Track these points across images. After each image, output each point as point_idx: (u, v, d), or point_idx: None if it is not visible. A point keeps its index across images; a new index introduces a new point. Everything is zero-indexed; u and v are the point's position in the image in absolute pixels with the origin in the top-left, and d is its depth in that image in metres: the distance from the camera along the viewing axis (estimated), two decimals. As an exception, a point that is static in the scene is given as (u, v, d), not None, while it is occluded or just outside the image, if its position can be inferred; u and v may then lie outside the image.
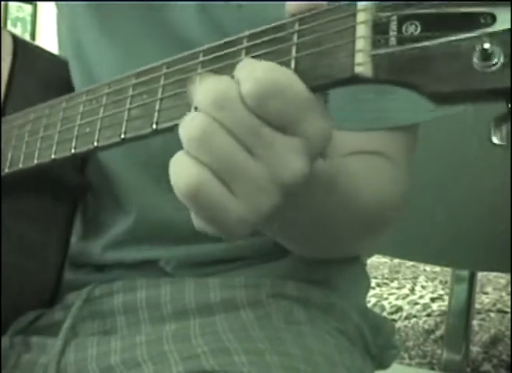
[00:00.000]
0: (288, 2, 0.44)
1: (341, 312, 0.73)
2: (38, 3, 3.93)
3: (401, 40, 0.39)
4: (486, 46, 0.36)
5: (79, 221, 0.77)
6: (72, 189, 0.73)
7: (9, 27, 3.74)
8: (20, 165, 0.62)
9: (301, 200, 0.50)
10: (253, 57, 0.44)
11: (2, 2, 3.64)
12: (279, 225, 0.55)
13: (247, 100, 0.41)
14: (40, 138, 0.60)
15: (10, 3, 3.83)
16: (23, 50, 0.73)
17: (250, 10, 0.65)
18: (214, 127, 0.42)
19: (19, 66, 0.72)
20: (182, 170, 0.42)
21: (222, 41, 0.47)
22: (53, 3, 0.81)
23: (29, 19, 3.94)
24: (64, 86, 0.74)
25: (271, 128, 0.42)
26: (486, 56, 0.36)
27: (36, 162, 0.60)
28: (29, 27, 3.92)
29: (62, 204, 0.73)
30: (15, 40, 0.74)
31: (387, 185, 0.64)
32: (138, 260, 0.72)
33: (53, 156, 0.58)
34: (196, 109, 0.43)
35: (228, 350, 0.62)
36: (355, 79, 0.40)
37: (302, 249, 0.67)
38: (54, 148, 0.58)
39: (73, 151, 0.56)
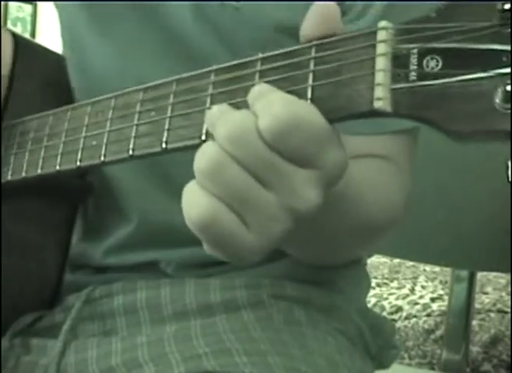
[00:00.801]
0: (303, 27, 0.43)
1: (341, 313, 0.73)
2: (38, 3, 3.93)
3: (421, 76, 0.38)
4: (509, 88, 0.35)
5: (81, 223, 0.76)
6: (74, 192, 0.73)
7: (9, 27, 3.74)
8: (24, 174, 0.61)
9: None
10: (267, 82, 0.43)
11: (2, 2, 3.63)
12: (286, 242, 0.54)
13: (265, 136, 0.41)
14: (43, 147, 0.60)
15: (10, 3, 3.83)
16: (24, 49, 0.73)
17: (248, 12, 0.65)
18: (226, 160, 0.41)
19: (20, 64, 0.72)
20: (194, 200, 0.42)
21: (234, 62, 0.45)
22: (53, 3, 0.81)
23: (29, 19, 3.94)
24: (66, 85, 0.74)
25: (287, 162, 0.42)
26: (508, 97, 0.35)
27: (39, 171, 0.59)
28: (29, 27, 3.92)
29: (63, 207, 0.73)
30: (16, 38, 0.73)
31: (391, 187, 0.64)
32: (138, 262, 0.72)
33: (58, 167, 0.57)
34: (208, 136, 0.43)
35: (229, 350, 0.62)
36: (374, 113, 0.40)
37: (308, 257, 0.66)
38: (58, 159, 0.57)
39: (79, 163, 0.55)
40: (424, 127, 0.67)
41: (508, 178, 0.38)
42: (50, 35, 3.40)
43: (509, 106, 0.35)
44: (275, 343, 0.64)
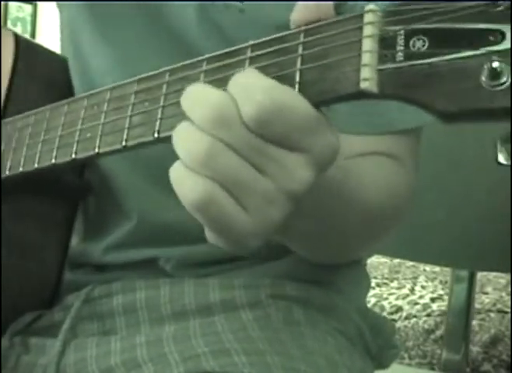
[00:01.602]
0: (293, 13, 0.44)
1: (341, 312, 0.73)
2: (38, 3, 3.93)
3: (408, 56, 0.38)
4: (495, 64, 0.35)
5: (80, 222, 0.76)
6: (73, 191, 0.73)
7: (9, 27, 3.74)
8: (21, 169, 0.61)
9: (310, 205, 0.50)
10: (257, 67, 0.44)
11: (2, 2, 3.63)
12: (290, 233, 0.54)
13: (249, 124, 0.41)
14: (41, 142, 0.60)
15: (10, 3, 3.83)
16: (25, 49, 0.73)
17: (252, 13, 0.65)
18: (218, 147, 0.42)
19: (21, 64, 0.72)
20: (189, 185, 0.42)
21: (225, 50, 0.46)
22: (53, 3, 0.81)
23: (29, 19, 3.94)
24: (66, 85, 0.74)
25: (275, 146, 0.42)
26: (495, 75, 0.35)
27: (36, 165, 0.59)
28: (29, 27, 3.92)
29: (63, 206, 0.73)
30: (17, 38, 0.73)
31: (395, 180, 0.65)
32: (137, 260, 0.72)
33: (53, 161, 0.58)
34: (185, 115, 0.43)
35: (228, 350, 0.62)
36: (361, 94, 0.40)
37: (312, 254, 0.66)
38: (54, 153, 0.58)
39: (74, 156, 0.55)
40: (425, 127, 0.68)
41: (497, 159, 0.38)
42: (50, 35, 3.40)
43: (495, 83, 0.35)
44: (274, 343, 0.64)
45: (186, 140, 0.42)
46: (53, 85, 0.74)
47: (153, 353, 0.64)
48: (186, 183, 0.42)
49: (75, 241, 0.76)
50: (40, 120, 0.61)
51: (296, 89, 0.42)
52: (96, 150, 0.53)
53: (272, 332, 0.66)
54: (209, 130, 0.42)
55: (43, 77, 0.73)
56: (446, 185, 1.15)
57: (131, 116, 0.51)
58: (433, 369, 1.59)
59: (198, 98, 0.43)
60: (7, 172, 0.63)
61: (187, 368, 0.61)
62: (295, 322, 0.68)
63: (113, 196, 0.73)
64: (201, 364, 0.61)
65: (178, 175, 0.43)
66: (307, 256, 0.67)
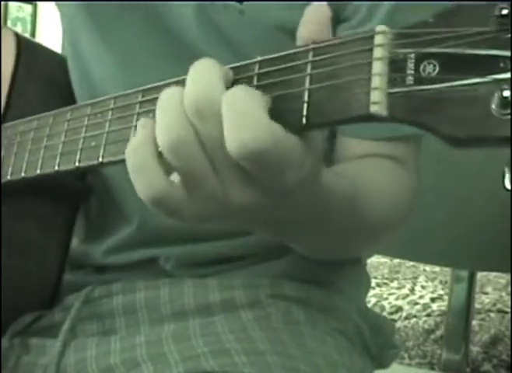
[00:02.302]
0: (299, 29, 0.44)
1: (340, 312, 0.73)
2: (38, 3, 3.93)
3: (418, 80, 0.38)
4: (506, 93, 0.35)
5: (82, 225, 0.76)
6: (74, 193, 0.73)
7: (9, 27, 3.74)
8: (23, 174, 0.61)
9: (311, 210, 0.51)
10: (264, 85, 0.43)
11: (2, 2, 3.64)
12: (289, 234, 0.55)
13: (231, 153, 0.41)
14: (43, 148, 0.59)
15: (10, 3, 3.84)
16: (26, 48, 0.73)
17: (251, 14, 0.65)
18: (192, 137, 0.43)
19: (23, 64, 0.72)
20: (149, 176, 0.44)
21: (232, 65, 0.45)
22: (53, 3, 0.81)
23: (29, 19, 3.94)
24: (66, 85, 0.74)
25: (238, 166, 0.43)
26: (505, 103, 0.35)
27: (38, 172, 0.59)
28: (29, 27, 3.92)
29: (63, 207, 0.73)
30: (19, 38, 0.73)
31: (400, 190, 0.65)
32: (137, 260, 0.72)
33: (56, 168, 0.57)
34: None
35: (228, 350, 0.62)
36: (370, 117, 0.39)
37: (311, 252, 0.66)
38: (57, 160, 0.57)
39: (77, 164, 0.55)
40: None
41: (504, 185, 0.38)
42: (50, 35, 3.40)
43: (505, 111, 0.35)
44: (274, 343, 0.64)
45: (168, 111, 0.43)
46: (53, 84, 0.74)
47: (153, 353, 0.64)
48: (147, 171, 0.44)
49: (75, 242, 0.76)
50: (43, 125, 0.61)
51: (305, 110, 0.42)
52: (100, 159, 0.53)
53: (272, 332, 0.66)
54: (192, 117, 0.43)
55: (44, 77, 0.73)
56: (446, 185, 1.15)
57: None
58: (433, 369, 1.59)
59: (204, 74, 0.43)
60: (8, 177, 0.62)
61: (187, 368, 0.61)
62: (294, 322, 0.68)
63: (114, 200, 0.73)
64: (201, 363, 0.61)
65: (142, 159, 0.45)
66: (306, 254, 0.67)
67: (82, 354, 0.68)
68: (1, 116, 0.69)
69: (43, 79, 0.73)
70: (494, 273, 1.83)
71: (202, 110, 0.42)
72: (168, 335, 0.66)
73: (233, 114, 0.41)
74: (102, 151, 0.52)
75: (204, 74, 0.43)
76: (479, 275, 1.76)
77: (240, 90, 0.42)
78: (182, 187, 0.44)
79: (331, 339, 0.69)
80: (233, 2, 0.65)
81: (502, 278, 1.83)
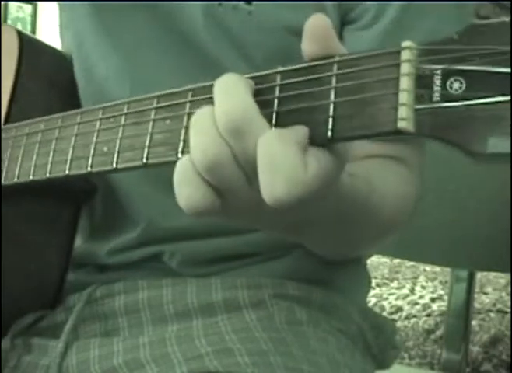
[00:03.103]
0: (303, 44, 0.43)
1: (342, 312, 0.73)
2: (38, 3, 3.93)
3: (444, 97, 0.38)
4: None
5: (86, 224, 0.76)
6: (77, 192, 0.73)
7: (9, 27, 3.74)
8: (31, 177, 0.60)
9: (331, 214, 0.52)
10: (288, 96, 0.43)
11: (2, 2, 3.64)
12: (309, 234, 0.56)
13: (266, 201, 0.42)
14: (52, 151, 0.59)
15: (10, 3, 3.84)
16: (29, 46, 0.73)
17: (260, 15, 0.65)
18: (228, 156, 0.43)
19: (26, 61, 0.71)
20: (191, 190, 0.44)
21: (252, 74, 0.45)
22: (53, 3, 0.81)
23: (29, 19, 3.94)
24: (70, 82, 0.73)
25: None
26: None
27: (48, 175, 0.59)
28: (29, 27, 3.92)
29: (66, 207, 0.73)
30: (21, 35, 0.73)
31: (403, 187, 0.65)
32: (141, 256, 0.72)
33: (67, 172, 0.57)
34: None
35: (231, 350, 0.62)
36: (397, 133, 0.39)
37: (324, 250, 0.67)
38: (68, 164, 0.57)
39: (89, 169, 0.54)
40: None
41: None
42: (50, 35, 3.40)
43: None
44: (277, 343, 0.64)
45: (202, 132, 0.44)
46: (56, 82, 0.73)
47: (156, 354, 0.64)
48: (187, 187, 0.44)
49: (78, 242, 0.76)
50: (51, 127, 0.60)
51: (330, 124, 0.41)
52: (114, 165, 0.52)
53: (275, 332, 0.66)
54: (228, 139, 0.43)
55: (46, 74, 0.73)
56: (446, 185, 1.15)
57: (152, 134, 0.50)
58: (432, 369, 1.59)
59: (234, 92, 0.43)
60: (16, 179, 0.62)
61: (191, 368, 0.61)
62: (297, 322, 0.68)
63: (120, 201, 0.73)
64: (205, 364, 0.61)
65: (183, 175, 0.44)
66: (316, 252, 0.67)
67: (85, 355, 0.67)
68: (6, 113, 0.68)
69: (46, 77, 0.73)
70: (494, 273, 1.83)
71: (239, 129, 0.42)
72: (171, 335, 0.66)
73: (268, 163, 0.41)
74: (116, 157, 0.52)
75: (234, 92, 0.43)
76: (479, 275, 1.76)
77: (275, 136, 0.42)
78: (219, 198, 0.45)
79: (333, 339, 0.69)
80: (242, 3, 0.65)
81: (502, 278, 1.83)
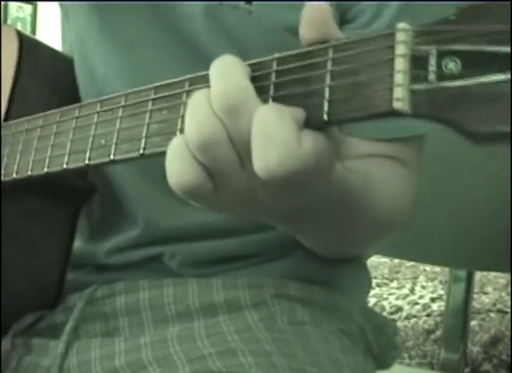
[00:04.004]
0: (300, 29, 0.44)
1: (344, 313, 0.73)
2: (38, 3, 3.93)
3: (440, 77, 0.38)
4: None
5: (85, 224, 0.76)
6: (77, 191, 0.73)
7: (9, 27, 3.73)
8: (29, 172, 0.60)
9: (323, 208, 0.52)
10: (284, 82, 0.44)
11: (2, 2, 3.64)
12: (297, 229, 0.56)
13: (257, 174, 0.42)
14: (50, 146, 0.59)
15: (10, 3, 3.83)
16: (28, 46, 0.73)
17: (260, 15, 0.65)
18: (222, 136, 0.43)
19: (25, 61, 0.71)
20: (180, 166, 0.44)
21: (250, 62, 0.45)
22: (53, 3, 0.81)
23: (29, 19, 3.94)
24: (71, 84, 0.73)
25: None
26: None
27: (46, 170, 0.58)
28: (29, 27, 3.92)
29: (66, 206, 0.72)
30: (21, 36, 0.73)
31: (402, 187, 0.66)
32: (141, 258, 0.72)
33: (65, 166, 0.56)
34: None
35: (234, 351, 0.62)
36: (393, 114, 0.40)
37: (321, 247, 0.67)
38: (66, 158, 0.57)
39: (87, 161, 0.54)
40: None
41: None
42: (50, 35, 3.40)
43: None
44: (280, 344, 0.64)
45: (198, 112, 0.44)
46: (56, 82, 0.73)
47: (158, 354, 0.64)
48: (180, 163, 0.44)
49: (78, 242, 0.76)
50: (50, 122, 0.60)
51: (326, 107, 0.42)
52: (112, 157, 0.52)
53: (277, 332, 0.66)
54: (222, 109, 0.43)
55: (46, 74, 0.73)
56: (445, 185, 1.16)
57: (148, 124, 0.50)
58: (432, 369, 1.59)
59: (231, 71, 0.43)
60: (14, 175, 0.62)
61: (194, 369, 0.61)
62: (299, 322, 0.68)
63: (118, 201, 0.73)
64: (208, 364, 0.61)
65: (176, 152, 0.45)
66: (314, 249, 0.67)
67: (86, 356, 0.67)
68: (5, 113, 0.68)
69: (46, 76, 0.73)
70: (494, 273, 1.83)
71: (234, 108, 0.43)
72: (173, 336, 0.65)
73: (262, 135, 0.42)
74: (113, 148, 0.52)
75: (231, 71, 0.43)
76: (479, 275, 1.76)
77: (271, 109, 0.42)
78: (211, 180, 0.45)
79: (335, 339, 0.69)
80: (242, 3, 0.65)
81: (502, 278, 1.83)
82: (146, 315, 0.69)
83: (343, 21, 0.66)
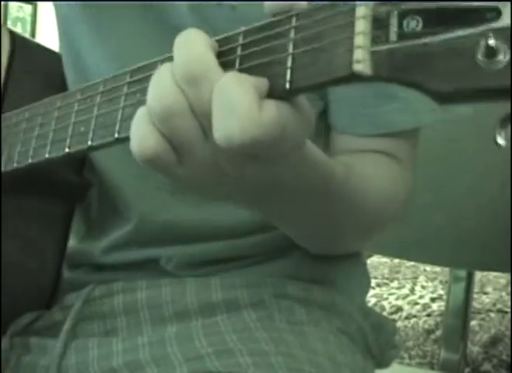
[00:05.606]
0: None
1: (343, 312, 0.73)
2: (38, 3, 3.93)
3: (401, 36, 0.37)
4: (491, 42, 0.34)
5: (80, 222, 0.76)
6: (71, 189, 0.73)
7: (9, 27, 3.74)
8: (15, 164, 0.61)
9: (302, 196, 0.52)
10: (249, 54, 0.44)
11: (2, 2, 3.64)
12: (275, 204, 0.55)
13: (218, 143, 0.42)
14: (35, 137, 0.59)
15: (10, 3, 3.84)
16: (22, 47, 0.73)
17: (244, 11, 0.65)
18: (182, 106, 0.43)
19: (17, 61, 0.71)
20: (143, 134, 0.45)
21: (217, 37, 0.45)
22: (52, 3, 0.81)
23: (29, 19, 3.95)
24: (61, 82, 0.73)
25: None
26: (491, 53, 0.34)
27: (30, 161, 0.59)
28: (29, 27, 3.93)
29: (60, 204, 0.72)
30: (14, 36, 0.73)
31: (396, 187, 0.66)
32: (138, 260, 0.72)
33: (47, 155, 0.57)
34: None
35: (232, 351, 0.62)
36: (354, 77, 0.39)
37: (304, 243, 0.67)
38: (48, 147, 0.57)
39: (67, 150, 0.55)
40: (423, 128, 0.68)
41: (495, 140, 0.37)
42: (50, 35, 3.40)
43: (491, 61, 0.34)
44: (278, 343, 0.64)
45: (160, 83, 0.44)
46: (48, 81, 0.73)
47: (156, 354, 0.64)
48: (141, 131, 0.45)
49: (73, 241, 0.76)
50: (35, 115, 0.61)
51: (288, 75, 0.41)
52: (89, 143, 0.52)
53: (276, 332, 0.66)
54: (183, 77, 0.43)
55: (38, 73, 0.73)
56: (445, 185, 1.16)
57: (123, 108, 0.50)
58: (432, 369, 1.59)
59: (193, 41, 0.44)
60: (3, 168, 0.62)
61: (192, 369, 0.61)
62: (298, 322, 0.68)
63: (112, 198, 0.73)
64: (206, 364, 0.61)
65: (139, 122, 0.45)
66: (302, 244, 0.67)
67: (84, 355, 0.67)
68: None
69: (38, 75, 0.73)
70: (494, 273, 1.83)
71: (195, 77, 0.43)
72: (171, 335, 0.65)
73: (223, 103, 0.41)
74: (91, 134, 0.52)
75: (192, 43, 0.43)
76: (479, 275, 1.76)
77: (232, 77, 0.42)
78: (173, 152, 0.45)
79: (334, 338, 0.69)
80: (227, 1, 0.65)
81: (502, 278, 1.83)
82: (144, 314, 0.69)
83: None
